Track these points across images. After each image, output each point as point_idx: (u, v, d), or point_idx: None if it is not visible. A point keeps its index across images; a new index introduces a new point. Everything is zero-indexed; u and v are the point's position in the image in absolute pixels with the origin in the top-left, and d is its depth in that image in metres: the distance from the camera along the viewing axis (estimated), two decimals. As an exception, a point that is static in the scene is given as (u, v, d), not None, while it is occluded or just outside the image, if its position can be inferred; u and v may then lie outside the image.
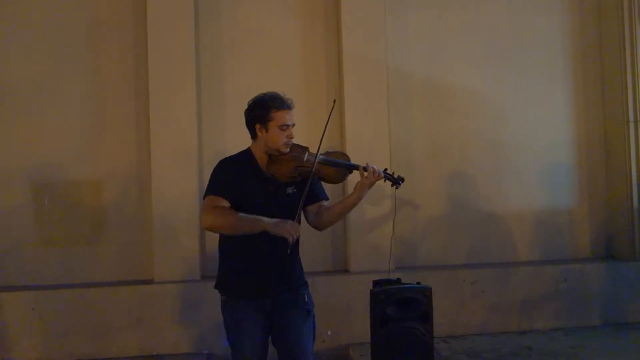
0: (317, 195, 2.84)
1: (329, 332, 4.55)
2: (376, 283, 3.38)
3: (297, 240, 2.67)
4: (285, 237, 2.51)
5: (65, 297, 4.40)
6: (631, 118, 5.13)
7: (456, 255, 5.09)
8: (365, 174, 2.72)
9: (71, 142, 4.67)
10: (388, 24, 4.92)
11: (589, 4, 5.38)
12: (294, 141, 2.77)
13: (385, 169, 2.82)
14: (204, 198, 2.70)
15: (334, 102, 3.02)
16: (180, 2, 4.64)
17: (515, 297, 4.87)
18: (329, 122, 2.80)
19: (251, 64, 4.86)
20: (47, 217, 4.63)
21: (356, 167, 2.76)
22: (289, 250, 2.54)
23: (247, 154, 2.81)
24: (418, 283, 3.33)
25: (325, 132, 2.76)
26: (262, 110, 2.70)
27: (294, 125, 2.74)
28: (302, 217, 2.79)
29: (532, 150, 5.23)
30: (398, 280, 3.38)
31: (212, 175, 2.76)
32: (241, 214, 2.58)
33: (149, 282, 4.56)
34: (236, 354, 2.73)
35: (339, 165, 2.79)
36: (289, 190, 2.75)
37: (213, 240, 4.74)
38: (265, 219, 2.55)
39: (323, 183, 2.86)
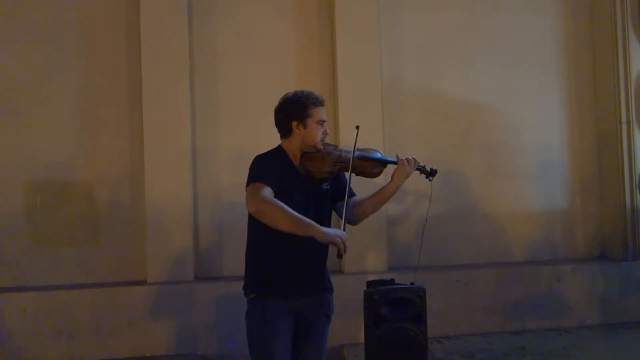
0: (349, 191, 2.83)
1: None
2: (370, 283, 3.37)
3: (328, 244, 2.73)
4: (336, 244, 2.48)
5: (57, 299, 4.37)
6: (624, 119, 5.15)
7: (450, 256, 5.09)
8: (405, 162, 2.78)
9: (64, 143, 4.65)
10: (382, 25, 4.92)
11: (582, 6, 5.41)
12: None
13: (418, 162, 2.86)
14: (247, 186, 2.60)
15: (357, 128, 2.85)
16: (174, 3, 4.63)
17: (509, 297, 4.88)
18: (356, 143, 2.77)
19: (245, 65, 4.86)
20: (40, 217, 4.61)
21: (394, 162, 2.82)
22: (342, 255, 2.51)
23: (279, 151, 2.76)
24: (412, 284, 3.33)
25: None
26: (300, 107, 2.70)
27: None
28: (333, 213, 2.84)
29: (526, 151, 5.25)
30: (392, 281, 3.37)
31: (254, 167, 2.67)
32: (293, 212, 2.50)
33: (142, 283, 4.54)
34: (262, 352, 2.66)
35: (376, 160, 2.83)
36: (324, 186, 2.77)
37: (206, 242, 4.77)
38: (316, 224, 2.49)
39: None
